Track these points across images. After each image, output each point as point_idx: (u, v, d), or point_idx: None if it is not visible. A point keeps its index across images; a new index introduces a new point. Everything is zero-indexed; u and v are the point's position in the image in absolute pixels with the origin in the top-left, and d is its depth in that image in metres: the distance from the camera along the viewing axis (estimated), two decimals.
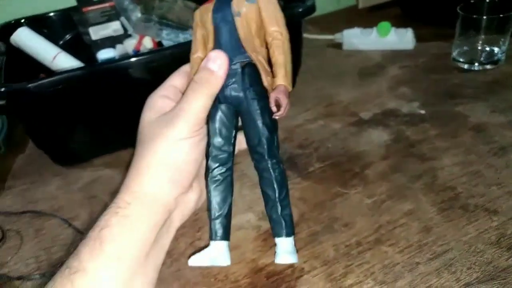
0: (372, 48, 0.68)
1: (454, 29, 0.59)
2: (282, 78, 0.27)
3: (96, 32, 0.61)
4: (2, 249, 0.40)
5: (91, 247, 0.22)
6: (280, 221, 0.27)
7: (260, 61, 0.27)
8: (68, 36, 0.63)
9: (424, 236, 0.35)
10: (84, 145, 0.50)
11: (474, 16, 0.56)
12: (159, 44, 0.60)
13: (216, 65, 0.26)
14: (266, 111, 0.27)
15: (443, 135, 0.47)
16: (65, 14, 0.62)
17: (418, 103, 0.53)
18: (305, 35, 0.69)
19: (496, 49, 0.58)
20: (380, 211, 0.38)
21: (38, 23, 0.59)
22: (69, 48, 0.57)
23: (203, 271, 0.35)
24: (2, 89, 0.41)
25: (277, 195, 0.27)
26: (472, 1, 0.58)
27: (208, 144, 0.28)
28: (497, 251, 0.33)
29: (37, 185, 0.49)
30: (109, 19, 0.61)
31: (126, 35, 0.62)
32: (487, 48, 0.58)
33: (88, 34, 0.61)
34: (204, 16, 0.28)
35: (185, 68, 0.30)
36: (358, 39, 0.68)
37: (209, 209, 0.28)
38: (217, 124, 0.27)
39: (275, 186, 0.27)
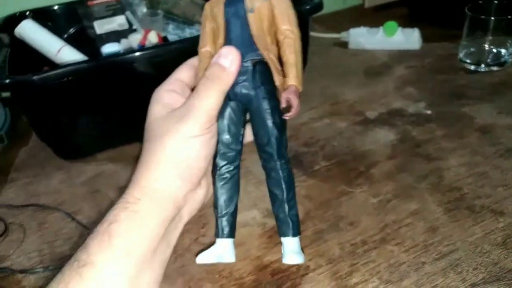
0: (378, 47, 0.67)
1: (461, 30, 0.58)
2: (294, 78, 0.26)
3: (101, 26, 0.60)
4: (5, 242, 0.40)
5: (100, 240, 0.22)
6: (287, 221, 0.27)
7: (272, 59, 0.26)
8: (72, 30, 0.62)
9: (430, 236, 0.35)
10: (87, 139, 0.50)
11: (482, 17, 0.55)
12: (165, 39, 0.60)
13: (228, 61, 0.25)
14: (276, 111, 0.26)
15: (449, 136, 0.47)
16: (70, 7, 0.61)
17: (424, 103, 0.53)
18: (311, 33, 0.68)
19: (503, 51, 0.58)
20: (385, 210, 0.38)
21: (43, 16, 0.59)
22: (73, 41, 0.57)
23: (208, 267, 0.34)
24: (7, 81, 0.40)
25: (285, 195, 0.27)
26: (480, 2, 0.57)
27: (216, 141, 0.28)
28: (503, 252, 0.33)
29: (40, 178, 0.48)
30: (114, 13, 0.60)
31: (131, 30, 0.62)
32: (494, 50, 0.58)
33: (92, 28, 0.60)
34: (215, 9, 0.27)
35: (192, 61, 0.29)
36: (365, 38, 0.68)
37: (215, 206, 0.28)
38: (226, 121, 0.27)
39: (283, 186, 0.27)
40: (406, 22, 0.69)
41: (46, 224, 0.41)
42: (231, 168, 0.28)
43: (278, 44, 0.27)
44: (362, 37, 0.68)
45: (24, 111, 0.47)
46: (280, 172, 0.27)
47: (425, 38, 0.66)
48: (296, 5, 0.27)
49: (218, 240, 0.28)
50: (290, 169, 0.27)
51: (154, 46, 0.55)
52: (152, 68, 0.45)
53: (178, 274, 0.34)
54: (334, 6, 0.84)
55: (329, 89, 0.59)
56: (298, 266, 0.34)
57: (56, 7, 0.61)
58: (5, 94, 0.60)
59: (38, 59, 0.53)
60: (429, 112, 0.51)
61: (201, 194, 0.27)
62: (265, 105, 0.26)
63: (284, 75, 0.27)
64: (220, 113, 0.27)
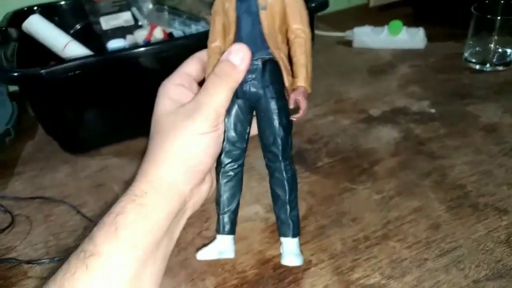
0: (382, 46, 0.67)
1: (466, 30, 0.58)
2: (303, 79, 0.26)
3: (107, 22, 0.61)
4: (11, 233, 0.40)
5: (106, 231, 0.22)
6: (288, 222, 0.27)
7: (282, 58, 0.26)
8: (78, 25, 0.63)
9: (433, 233, 0.35)
10: (93, 133, 0.50)
11: (488, 17, 0.55)
12: (170, 35, 0.60)
13: (238, 59, 0.25)
14: (284, 111, 0.26)
15: (453, 134, 0.47)
16: (76, 3, 0.62)
17: (428, 102, 0.53)
18: (315, 31, 0.68)
19: (509, 51, 0.58)
20: (388, 207, 0.38)
21: (50, 11, 0.60)
22: (79, 37, 0.57)
23: (211, 261, 0.35)
24: (15, 74, 0.41)
25: (287, 196, 0.27)
26: (486, 1, 0.57)
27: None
28: (506, 250, 0.33)
29: (46, 171, 0.49)
30: (120, 9, 0.61)
31: (136, 26, 0.62)
32: (500, 50, 0.58)
33: (98, 23, 0.61)
34: (227, 4, 0.26)
35: (199, 54, 0.29)
36: (369, 37, 0.68)
37: (218, 203, 0.28)
38: (232, 119, 0.27)
39: (286, 187, 0.27)
40: (410, 22, 0.69)
41: (52, 217, 0.42)
42: (235, 166, 0.28)
43: (288, 43, 0.27)
44: (366, 36, 0.68)
45: (31, 104, 0.47)
46: (284, 173, 0.27)
47: (430, 38, 0.66)
48: None
49: (219, 236, 0.28)
50: (294, 170, 0.27)
51: (160, 42, 0.55)
52: (158, 63, 0.45)
53: (181, 267, 0.35)
54: (339, 5, 0.84)
55: (333, 87, 0.59)
56: None
57: (63, 3, 0.62)
58: (12, 89, 0.61)
59: (45, 54, 0.54)
60: (433, 110, 0.51)
61: (205, 189, 0.28)
62: (273, 105, 0.26)
63: (293, 75, 0.26)
64: (227, 111, 0.27)
